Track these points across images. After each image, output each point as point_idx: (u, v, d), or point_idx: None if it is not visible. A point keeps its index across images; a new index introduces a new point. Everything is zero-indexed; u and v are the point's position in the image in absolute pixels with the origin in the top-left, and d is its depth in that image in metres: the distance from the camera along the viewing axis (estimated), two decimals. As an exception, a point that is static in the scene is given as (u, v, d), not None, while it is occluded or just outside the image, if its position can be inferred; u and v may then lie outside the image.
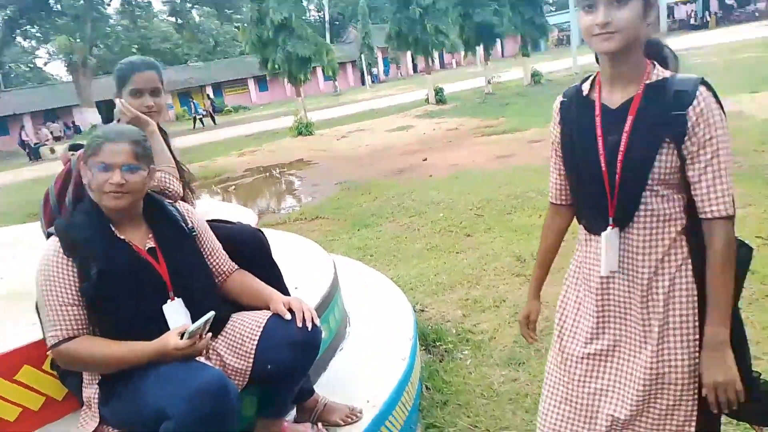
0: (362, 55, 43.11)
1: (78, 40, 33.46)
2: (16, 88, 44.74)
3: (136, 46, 41.38)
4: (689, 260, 1.45)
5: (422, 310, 3.75)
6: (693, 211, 1.43)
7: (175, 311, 1.85)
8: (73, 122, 37.41)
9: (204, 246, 2.04)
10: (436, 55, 27.60)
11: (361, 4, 44.17)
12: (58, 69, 66.53)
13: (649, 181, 1.40)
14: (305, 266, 3.14)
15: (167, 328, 1.79)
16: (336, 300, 2.93)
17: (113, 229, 1.84)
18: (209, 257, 2.05)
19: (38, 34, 41.60)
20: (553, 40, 50.61)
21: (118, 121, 2.30)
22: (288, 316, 1.90)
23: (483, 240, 5.05)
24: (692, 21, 47.31)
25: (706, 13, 47.50)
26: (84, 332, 1.78)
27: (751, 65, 15.52)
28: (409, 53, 26.65)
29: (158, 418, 1.64)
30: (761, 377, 1.51)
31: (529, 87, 20.78)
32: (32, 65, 53.91)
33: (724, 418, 1.54)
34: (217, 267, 2.07)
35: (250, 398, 2.05)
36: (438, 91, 20.53)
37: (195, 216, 2.08)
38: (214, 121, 29.91)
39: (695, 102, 1.35)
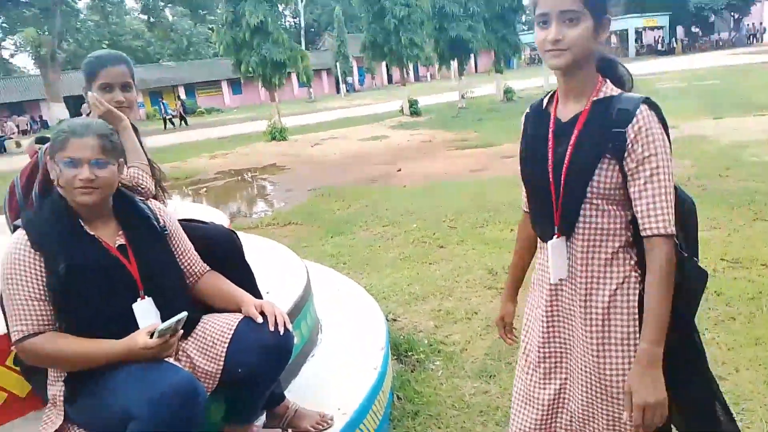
0: (337, 64, 43.19)
1: (46, 33, 32.69)
2: (-20, 79, 43.45)
3: (106, 42, 40.72)
4: (631, 277, 1.48)
5: (394, 320, 3.73)
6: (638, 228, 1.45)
7: (145, 310, 1.79)
8: (41, 116, 36.56)
9: (176, 246, 1.99)
10: (410, 67, 27.80)
11: (336, 12, 44.25)
12: (25, 61, 64.95)
13: (588, 195, 1.44)
14: (278, 271, 3.09)
15: (136, 327, 1.74)
16: (308, 306, 2.89)
17: (82, 224, 1.78)
18: (181, 257, 2.00)
19: (5, 25, 40.55)
20: (526, 59, 51.64)
21: (88, 114, 2.24)
22: (260, 320, 1.87)
23: (456, 252, 5.06)
24: (659, 47, 48.81)
25: (673, 39, 49.08)
26: (50, 328, 1.71)
27: (715, 91, 16.05)
28: (384, 64, 26.75)
29: (124, 419, 1.59)
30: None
31: (502, 103, 21.07)
32: (-2, 56, 52.48)
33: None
34: (188, 267, 2.01)
35: (218, 402, 2.00)
36: (412, 103, 20.67)
37: (167, 214, 2.03)
38: (185, 122, 29.55)
39: (634, 120, 1.38)
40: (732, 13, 49.13)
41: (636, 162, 1.39)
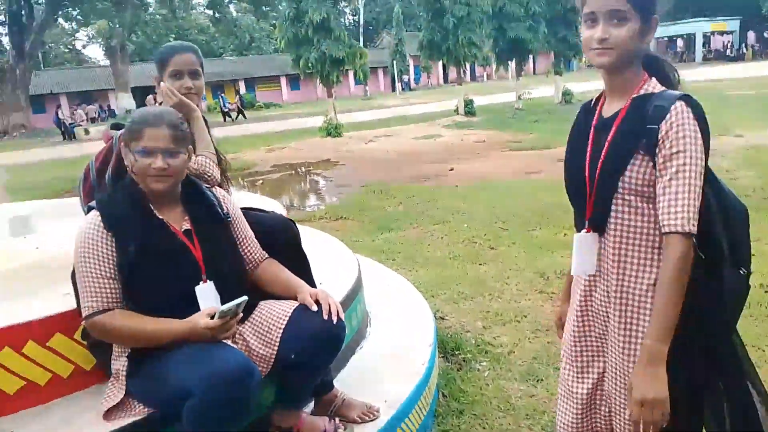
0: (394, 62, 43.26)
1: (117, 26, 34.06)
2: (54, 68, 45.68)
3: (173, 36, 42.10)
4: None
5: (442, 318, 3.74)
6: None
7: (207, 293, 1.87)
8: (109, 105, 38.12)
9: (237, 232, 2.07)
10: (467, 66, 27.58)
11: (395, 11, 44.38)
12: (96, 52, 67.81)
13: (620, 189, 1.45)
14: (330, 263, 3.15)
15: (197, 309, 1.82)
16: (359, 299, 2.94)
17: (152, 208, 1.87)
18: (241, 244, 2.08)
19: (79, 17, 42.33)
20: (586, 61, 50.34)
21: (160, 103, 2.34)
22: (315, 308, 1.92)
23: (506, 253, 5.03)
24: (728, 52, 46.78)
25: (743, 45, 46.94)
26: (118, 306, 1.81)
27: (789, 101, 15.27)
28: (440, 63, 26.67)
29: (182, 396, 1.66)
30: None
31: (560, 105, 20.66)
32: (71, 47, 55.11)
33: None
34: (248, 254, 2.09)
35: (270, 387, 2.07)
36: (468, 103, 20.52)
37: (230, 202, 2.11)
38: (243, 116, 30.24)
39: (668, 116, 1.38)
40: (810, 19, 46.66)
41: (664, 158, 1.38)
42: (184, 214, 1.94)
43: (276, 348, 1.91)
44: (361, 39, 39.51)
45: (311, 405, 2.24)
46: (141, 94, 33.46)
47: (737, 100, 16.66)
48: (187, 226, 1.92)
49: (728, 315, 1.50)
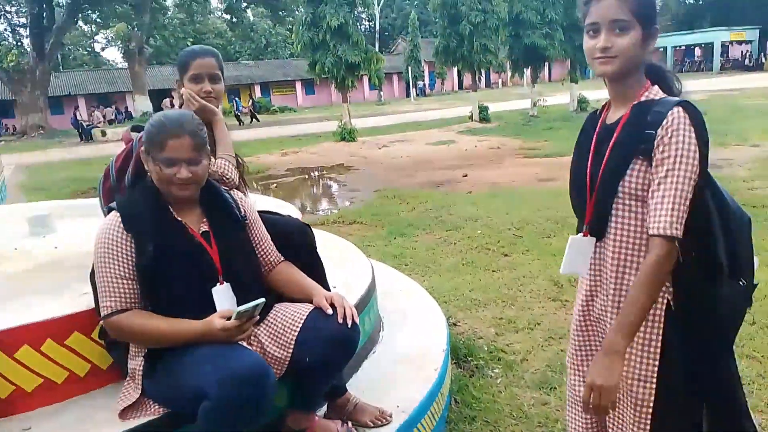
0: (409, 67, 43.35)
1: (136, 29, 34.45)
2: (73, 70, 46.26)
3: (190, 40, 42.47)
4: (665, 294, 1.47)
5: (455, 324, 3.74)
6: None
7: (223, 295, 1.89)
8: (126, 108, 38.51)
9: (254, 235, 2.09)
10: (482, 73, 27.57)
11: (411, 17, 44.51)
12: (114, 55, 68.59)
13: (620, 194, 1.47)
14: (344, 267, 3.16)
15: (214, 311, 1.83)
16: (372, 303, 2.94)
17: (171, 210, 1.89)
18: (258, 246, 2.09)
19: (98, 20, 42.95)
20: (602, 69, 50.08)
21: (180, 105, 2.36)
22: (330, 311, 1.93)
23: (520, 261, 5.01)
24: (746, 62, 46.33)
25: (762, 54, 46.47)
26: (136, 306, 1.83)
27: (809, 111, 15.10)
28: (455, 69, 26.64)
29: (197, 397, 1.67)
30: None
31: (575, 113, 20.57)
32: (90, 49, 55.78)
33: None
34: (264, 256, 2.10)
35: (283, 389, 2.08)
36: (482, 109, 20.51)
37: (248, 205, 2.13)
38: (256, 119, 30.47)
39: (664, 121, 1.40)
40: (831, 28, 46.12)
41: (656, 162, 1.41)
42: (202, 216, 1.95)
43: (291, 350, 1.92)
44: (377, 44, 39.59)
45: (324, 408, 2.24)
46: (158, 96, 33.80)
47: (755, 109, 16.50)
48: (205, 227, 1.93)
49: (726, 325, 1.51)
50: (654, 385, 1.49)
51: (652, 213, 1.40)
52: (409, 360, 2.70)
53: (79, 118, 28.38)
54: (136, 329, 1.81)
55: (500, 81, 53.51)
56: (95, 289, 1.90)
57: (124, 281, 1.81)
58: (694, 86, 26.57)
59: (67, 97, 39.08)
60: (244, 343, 1.86)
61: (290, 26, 37.48)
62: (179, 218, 1.89)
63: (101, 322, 1.87)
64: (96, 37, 54.12)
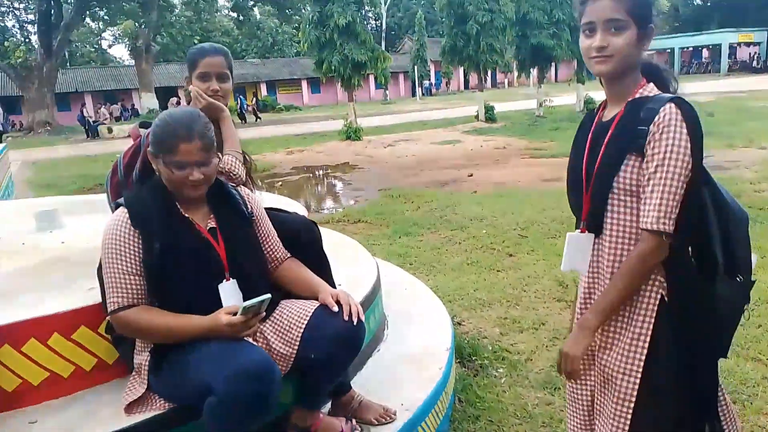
0: (415, 67, 43.30)
1: (143, 26, 34.56)
2: (80, 66, 46.43)
3: (197, 38, 42.47)
4: (656, 282, 1.48)
5: (459, 323, 3.74)
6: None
7: (230, 291, 1.89)
8: (132, 105, 38.63)
9: (261, 231, 2.09)
10: (488, 72, 27.51)
11: (418, 16, 44.48)
12: (121, 52, 68.75)
13: (615, 190, 1.48)
14: (349, 264, 3.16)
15: (220, 307, 1.83)
16: (377, 301, 2.95)
17: (178, 207, 1.90)
18: (264, 243, 2.10)
19: (106, 17, 43.08)
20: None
21: (188, 102, 2.37)
22: (335, 309, 1.93)
23: (525, 261, 5.00)
24: (754, 63, 46.13)
25: (770, 56, 46.23)
26: (143, 302, 1.83)
27: (817, 114, 15.01)
28: (461, 68, 26.61)
29: (203, 392, 1.68)
30: None
31: (581, 113, 20.46)
32: (97, 46, 55.94)
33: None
34: (271, 253, 2.11)
35: (288, 386, 2.08)
36: (488, 109, 20.47)
37: (254, 201, 2.13)
38: (257, 117, 30.64)
39: (656, 117, 1.41)
40: (840, 31, 45.85)
41: (648, 158, 1.42)
42: (209, 212, 1.96)
43: (296, 347, 1.92)
44: (383, 44, 39.63)
45: (328, 406, 2.25)
46: (164, 94, 33.92)
47: (762, 111, 16.42)
48: (212, 224, 1.94)
49: (722, 323, 1.51)
50: (638, 380, 1.50)
51: (642, 208, 1.44)
52: (414, 358, 2.70)
53: (85, 114, 28.48)
54: (142, 325, 1.81)
55: (506, 81, 53.45)
56: (102, 285, 1.90)
57: (131, 277, 1.82)
58: (702, 88, 26.48)
59: (74, 93, 39.24)
60: (250, 339, 1.87)
61: (297, 25, 37.55)
62: (186, 215, 1.90)
63: (108, 318, 1.88)
64: (103, 35, 54.36)
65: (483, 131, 17.37)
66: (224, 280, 1.89)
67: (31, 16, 39.30)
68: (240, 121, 29.08)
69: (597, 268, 1.58)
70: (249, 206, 2.06)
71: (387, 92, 43.42)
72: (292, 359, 1.93)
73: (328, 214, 7.78)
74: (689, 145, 1.39)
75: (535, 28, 20.02)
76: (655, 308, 1.48)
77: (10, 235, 3.37)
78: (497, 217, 6.59)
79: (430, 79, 48.60)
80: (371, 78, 27.25)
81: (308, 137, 19.02)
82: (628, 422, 1.52)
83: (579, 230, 1.60)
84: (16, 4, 41.88)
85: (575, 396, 1.72)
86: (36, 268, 2.65)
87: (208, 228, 1.92)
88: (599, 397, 1.61)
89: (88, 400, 1.98)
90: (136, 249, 1.83)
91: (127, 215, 1.85)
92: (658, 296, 1.48)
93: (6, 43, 32.99)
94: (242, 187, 2.19)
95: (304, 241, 2.28)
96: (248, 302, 1.73)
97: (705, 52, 51.14)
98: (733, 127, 12.81)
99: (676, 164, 1.38)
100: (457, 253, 5.41)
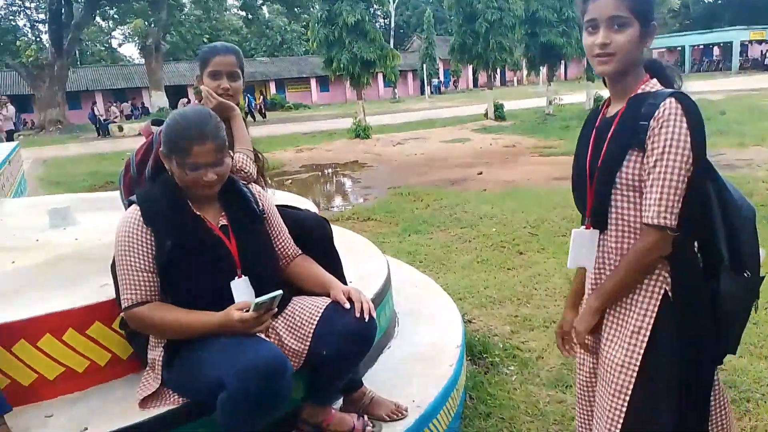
0: (424, 65, 43.23)
1: (153, 25, 34.72)
2: (90, 65, 46.71)
3: (206, 37, 42.68)
4: (660, 276, 1.48)
5: (470, 321, 3.73)
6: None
7: (242, 288, 1.90)
8: (142, 103, 38.82)
9: (272, 228, 2.10)
10: (497, 71, 27.45)
11: (427, 15, 44.38)
12: (131, 51, 69.13)
13: (618, 185, 1.49)
14: (359, 262, 3.17)
15: (232, 304, 1.84)
16: (388, 298, 2.95)
17: (190, 204, 1.91)
18: (276, 240, 2.10)
19: (116, 16, 43.37)
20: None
21: (199, 101, 2.38)
22: (347, 305, 1.93)
23: (536, 259, 4.99)
24: (766, 62, 45.69)
25: (782, 54, 45.82)
26: (156, 298, 1.85)
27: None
28: (470, 67, 26.52)
29: (216, 388, 1.70)
30: None
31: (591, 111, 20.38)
32: (107, 45, 56.23)
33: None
34: (282, 250, 2.12)
35: (300, 382, 2.09)
36: (497, 107, 20.41)
37: (266, 199, 2.14)
38: (263, 115, 30.81)
39: (657, 112, 1.42)
40: None
41: (648, 153, 1.43)
42: (220, 210, 1.97)
43: (308, 343, 1.93)
44: (392, 42, 39.60)
45: (340, 402, 2.25)
46: (174, 92, 34.04)
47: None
48: (223, 221, 1.95)
49: (728, 319, 1.51)
50: (635, 374, 1.50)
51: (644, 203, 1.44)
52: (424, 356, 2.71)
53: (96, 113, 28.65)
54: (156, 321, 1.83)
55: (516, 79, 53.26)
56: (116, 281, 1.92)
57: (145, 274, 1.83)
58: (713, 86, 26.28)
59: (85, 92, 39.47)
60: (262, 335, 1.88)
61: (306, 23, 37.61)
62: (198, 212, 1.91)
63: (122, 314, 1.90)
64: (113, 33, 54.65)
65: (492, 129, 17.32)
66: (236, 277, 1.90)
67: (42, 15, 39.60)
68: (251, 119, 29.20)
69: (603, 263, 1.59)
70: (260, 204, 2.07)
71: (396, 90, 43.37)
72: (304, 355, 1.94)
73: (338, 212, 7.80)
74: (689, 139, 1.40)
75: (544, 26, 19.93)
76: (658, 303, 1.48)
77: (23, 232, 3.40)
78: (507, 216, 6.58)
79: (438, 78, 48.52)
80: (380, 76, 27.24)
81: (317, 135, 19.04)
82: (623, 416, 1.51)
83: (584, 227, 1.60)
84: (27, 4, 42.27)
85: (583, 393, 1.73)
86: (50, 265, 2.67)
87: (219, 225, 1.93)
88: (598, 391, 1.61)
89: (103, 395, 2.00)
90: (149, 246, 1.84)
91: (140, 213, 1.87)
92: (662, 291, 1.48)
93: (17, 42, 33.18)
94: (254, 184, 2.20)
95: (315, 238, 2.29)
96: (260, 298, 1.74)
97: (716, 50, 50.72)
98: (745, 125, 12.70)
99: (675, 158, 1.39)
100: (467, 251, 5.41)
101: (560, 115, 19.55)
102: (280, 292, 1.78)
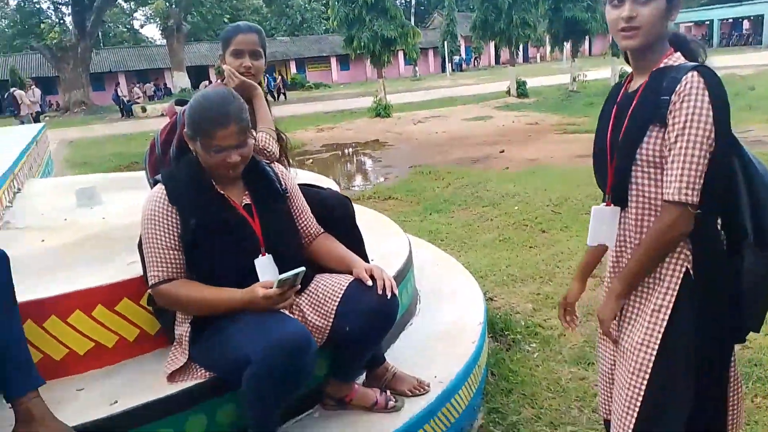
0: (445, 42, 42.74)
1: (174, 6, 34.76)
2: (113, 47, 47.06)
3: (227, 17, 42.58)
4: (682, 254, 1.46)
5: (491, 299, 3.73)
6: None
7: (266, 266, 1.92)
8: (165, 84, 39.09)
9: (294, 207, 2.11)
10: (520, 47, 26.98)
11: (448, -9, 43.78)
12: (152, 32, 69.39)
13: (638, 161, 1.46)
14: (381, 240, 3.18)
15: (256, 282, 1.86)
16: (409, 276, 2.96)
17: (214, 184, 1.93)
18: (298, 218, 2.12)
19: (137, -3, 43.53)
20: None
21: (223, 80, 2.38)
22: (369, 283, 1.94)
23: (558, 237, 4.96)
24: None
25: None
26: (182, 275, 1.88)
27: None
28: (492, 43, 26.14)
29: (242, 363, 1.72)
30: None
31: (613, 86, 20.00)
32: (129, 26, 56.50)
33: None
34: (305, 228, 2.13)
35: (323, 358, 2.12)
36: (520, 84, 20.14)
37: (288, 178, 2.15)
38: (284, 96, 30.77)
39: (678, 86, 1.38)
40: None
41: (669, 128, 1.40)
42: (244, 189, 1.99)
43: (331, 320, 1.95)
44: (413, 19, 39.18)
45: (363, 377, 2.28)
46: (195, 73, 34.15)
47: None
48: (247, 200, 1.97)
49: (750, 298, 1.48)
50: (654, 352, 1.49)
51: (664, 179, 1.42)
52: (446, 333, 2.72)
53: (120, 94, 28.94)
54: (182, 298, 1.86)
55: (539, 55, 52.40)
56: (143, 259, 1.96)
57: (171, 252, 1.86)
58: (742, 61, 25.56)
59: (108, 73, 39.88)
60: (287, 312, 1.90)
61: (326, 1, 37.25)
62: (221, 191, 1.93)
63: (149, 291, 1.94)
64: (135, 14, 54.80)
65: (515, 107, 17.13)
66: (260, 255, 1.92)
67: (65, -2, 39.87)
68: (271, 99, 29.20)
69: (624, 241, 1.57)
70: (283, 183, 2.08)
71: (416, 68, 43.02)
72: (327, 332, 1.96)
73: (359, 191, 7.81)
74: (711, 113, 1.36)
75: (568, 1, 19.51)
76: (679, 281, 1.47)
77: (52, 212, 3.48)
78: (530, 194, 6.53)
79: (460, 55, 47.94)
80: (401, 54, 26.96)
81: (338, 115, 19.01)
82: (642, 394, 1.50)
83: (604, 204, 1.58)
84: (50, -14, 42.50)
85: (604, 370, 1.73)
86: (78, 243, 2.73)
87: (243, 204, 1.95)
88: (618, 369, 1.61)
89: (132, 369, 2.05)
90: (174, 224, 1.87)
91: (165, 192, 1.89)
92: (683, 269, 1.46)
93: (42, 25, 33.54)
94: (276, 163, 2.21)
95: (337, 216, 2.30)
96: (283, 275, 1.75)
97: (746, 24, 49.20)
98: (775, 100, 12.37)
99: (697, 133, 1.36)
100: (489, 230, 5.39)
101: (584, 92, 19.22)
102: (303, 268, 1.80)
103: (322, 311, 1.97)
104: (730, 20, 48.98)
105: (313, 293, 2.01)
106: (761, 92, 14.12)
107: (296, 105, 25.19)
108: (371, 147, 12.21)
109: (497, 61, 49.54)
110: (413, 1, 46.98)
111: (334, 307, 1.95)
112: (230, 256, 1.90)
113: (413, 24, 21.95)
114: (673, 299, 1.47)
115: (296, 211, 2.12)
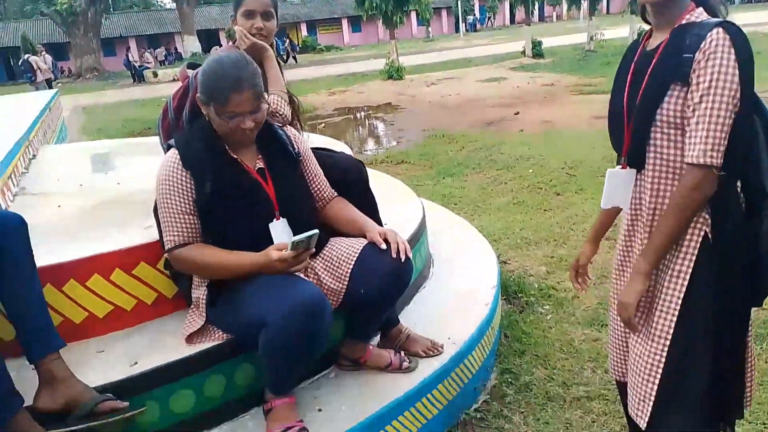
0: (458, 2, 41.84)
1: (183, -32, 34.24)
2: (123, 12, 46.66)
3: (237, -21, 41.87)
4: (700, 219, 1.43)
5: (505, 262, 3.74)
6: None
7: (280, 230, 1.93)
8: (175, 48, 38.81)
9: (308, 171, 2.11)
10: (536, 6, 26.36)
11: (463, -52, 42.67)
12: (162, -4, 68.36)
13: (658, 122, 1.42)
14: (394, 204, 3.17)
15: (271, 245, 1.87)
16: (423, 240, 2.97)
17: (227, 148, 1.92)
18: (312, 182, 2.12)
19: (146, -40, 42.92)
20: None
21: (234, 43, 2.35)
22: (383, 246, 1.95)
23: (573, 200, 4.92)
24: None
25: None
26: (197, 240, 1.90)
27: None
28: (507, 2, 25.55)
29: (258, 325, 1.75)
30: None
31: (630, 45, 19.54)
32: (139, -10, 55.81)
33: None
34: (318, 192, 2.13)
35: (338, 320, 2.14)
36: (535, 44, 19.73)
37: (301, 141, 2.14)
38: (294, 59, 30.43)
39: (703, 44, 1.33)
40: None
41: (693, 87, 1.35)
42: (257, 153, 1.98)
43: (346, 282, 1.97)
44: (425, -22, 38.32)
45: (377, 338, 2.31)
46: (206, 36, 33.82)
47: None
48: (260, 164, 1.96)
49: (767, 261, 1.45)
50: (674, 318, 1.47)
51: (688, 141, 1.37)
52: (460, 295, 2.74)
53: (131, 59, 28.81)
54: (197, 262, 1.88)
55: (555, 14, 51.21)
56: (159, 224, 1.97)
57: (186, 216, 1.88)
58: (766, 17, 24.77)
59: (119, 38, 39.68)
60: (302, 275, 1.92)
61: (336, -39, 36.47)
62: (235, 156, 1.92)
63: (165, 255, 1.96)
64: (144, -22, 54.10)
65: (530, 68, 16.82)
66: (274, 219, 1.93)
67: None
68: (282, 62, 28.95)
69: (639, 203, 1.54)
70: (296, 146, 2.08)
71: (429, 29, 42.27)
72: (342, 294, 1.98)
73: (371, 156, 7.78)
74: (737, 72, 1.31)
75: (586, -44, 18.97)
76: (698, 246, 1.44)
77: (68, 177, 3.51)
78: (545, 157, 6.46)
79: (474, 14, 46.99)
80: (413, 15, 26.53)
81: (349, 78, 18.80)
82: (663, 360, 1.49)
83: (620, 166, 1.55)
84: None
85: (616, 334, 1.72)
86: (95, 208, 2.76)
87: (256, 168, 1.95)
88: (633, 336, 1.59)
89: (151, 331, 2.08)
90: (189, 189, 1.88)
91: (178, 156, 1.89)
92: (702, 233, 1.43)
93: (52, -11, 33.27)
94: (289, 127, 2.20)
95: (350, 180, 2.29)
96: (297, 237, 1.76)
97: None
98: (800, 57, 12.03)
99: (723, 93, 1.31)
100: (503, 193, 5.36)
101: (602, 51, 18.81)
102: (317, 231, 1.80)
103: (337, 274, 1.98)
104: (755, -26, 47.33)
105: (327, 256, 2.02)
106: (784, 50, 13.72)
107: (307, 68, 24.93)
108: (383, 110, 12.10)
109: (512, 21, 48.51)
110: (426, -40, 45.94)
111: (349, 270, 1.96)
112: (244, 220, 1.91)
113: (426, -17, 21.45)
114: (692, 264, 1.45)
115: (309, 174, 2.12)
